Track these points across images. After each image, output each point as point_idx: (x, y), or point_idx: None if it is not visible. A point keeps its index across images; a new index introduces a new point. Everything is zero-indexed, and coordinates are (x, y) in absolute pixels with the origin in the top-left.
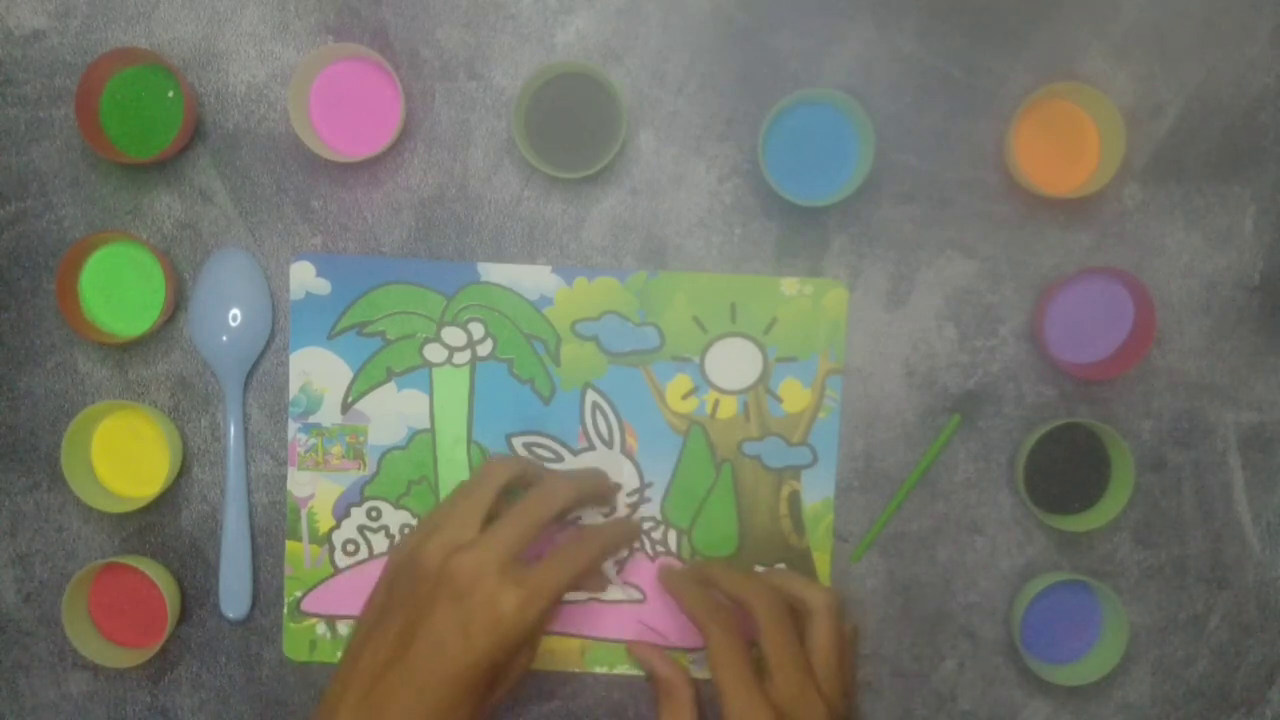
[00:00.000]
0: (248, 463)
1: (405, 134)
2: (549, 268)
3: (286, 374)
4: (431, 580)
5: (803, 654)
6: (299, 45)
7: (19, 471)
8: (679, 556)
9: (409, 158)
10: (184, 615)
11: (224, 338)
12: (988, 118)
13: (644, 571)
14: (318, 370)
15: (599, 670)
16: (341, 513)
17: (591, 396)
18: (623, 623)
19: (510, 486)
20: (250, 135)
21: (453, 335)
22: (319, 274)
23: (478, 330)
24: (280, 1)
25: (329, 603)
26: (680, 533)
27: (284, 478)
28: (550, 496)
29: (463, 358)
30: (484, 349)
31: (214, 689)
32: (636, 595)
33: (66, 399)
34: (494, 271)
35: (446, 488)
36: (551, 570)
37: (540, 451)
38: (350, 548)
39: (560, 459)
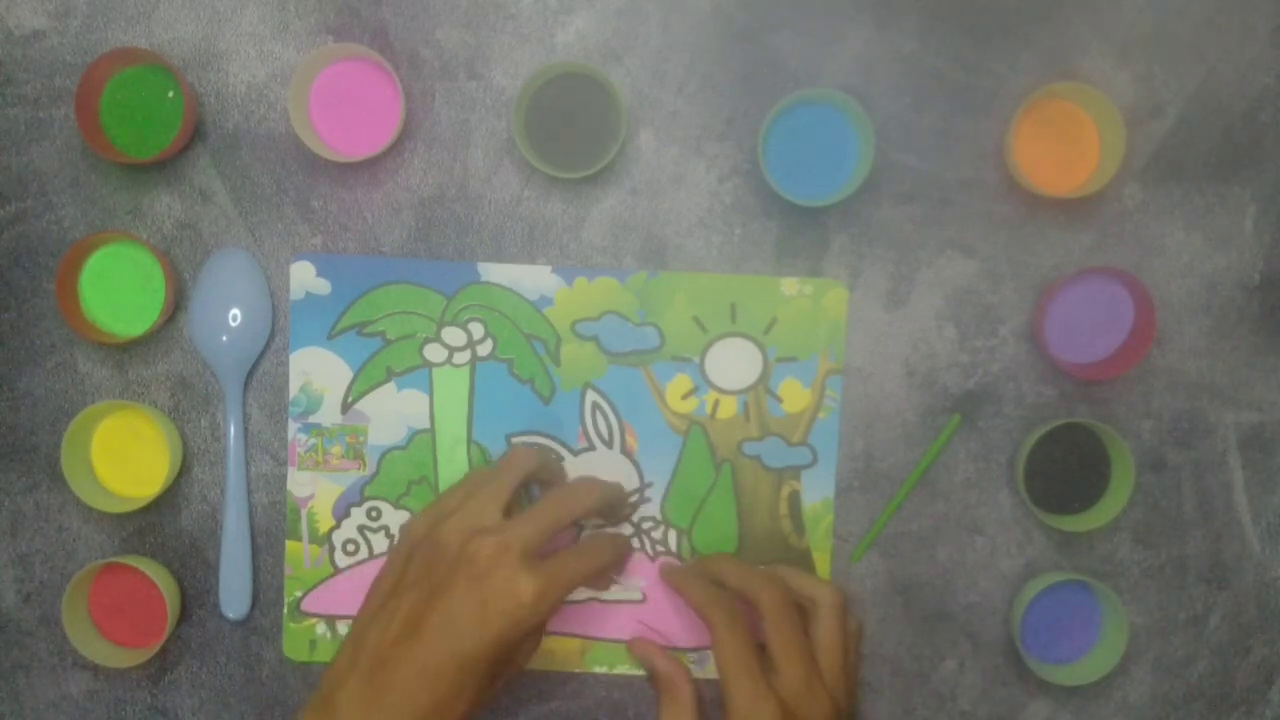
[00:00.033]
0: (248, 463)
1: (405, 134)
2: (549, 268)
3: (286, 374)
4: (450, 561)
5: (808, 648)
6: (299, 45)
7: (19, 471)
8: (679, 556)
9: (409, 158)
10: (184, 615)
11: (224, 338)
12: (988, 118)
13: (644, 572)
14: (318, 370)
15: (599, 670)
16: (341, 513)
17: (591, 396)
18: (623, 623)
19: (530, 479)
20: (250, 135)
21: (453, 335)
22: (319, 274)
23: (478, 330)
24: (280, 1)
25: (329, 603)
26: (680, 533)
27: (284, 478)
28: (575, 498)
29: (463, 358)
30: (484, 349)
31: (214, 689)
32: (636, 595)
33: (66, 399)
34: (494, 271)
35: (446, 488)
36: (570, 562)
37: None
38: (350, 548)
39: (560, 459)
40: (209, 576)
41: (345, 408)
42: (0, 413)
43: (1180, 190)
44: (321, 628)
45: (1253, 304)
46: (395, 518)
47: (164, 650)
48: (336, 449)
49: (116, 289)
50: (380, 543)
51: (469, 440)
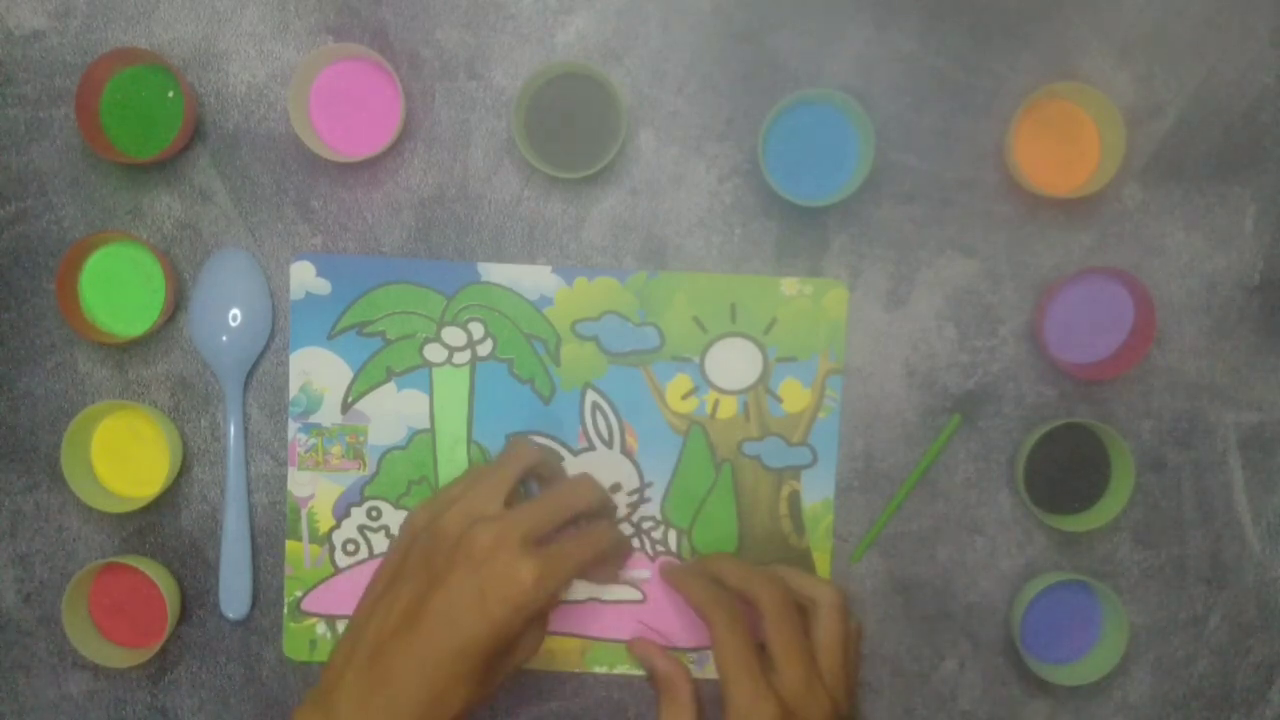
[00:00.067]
0: (248, 463)
1: (405, 134)
2: (549, 268)
3: (286, 374)
4: (449, 549)
5: (808, 647)
6: (299, 45)
7: (19, 471)
8: (679, 556)
9: (409, 158)
10: (184, 615)
11: (224, 338)
12: (988, 118)
13: (645, 567)
14: (318, 370)
15: (599, 670)
16: (341, 512)
17: (591, 396)
18: (623, 623)
19: (531, 473)
20: (250, 135)
21: (453, 335)
22: (319, 274)
23: (478, 330)
24: (280, 1)
25: (329, 602)
26: (680, 533)
27: (284, 478)
28: (576, 494)
29: (463, 358)
30: (484, 349)
31: (214, 689)
32: (636, 595)
33: (66, 399)
34: (494, 271)
35: None
36: (570, 548)
37: None
38: (350, 547)
39: (560, 459)
40: (209, 576)
41: (345, 408)
42: (0, 413)
43: (1180, 190)
44: (321, 627)
45: (1253, 304)
46: (395, 518)
47: (164, 650)
48: (336, 449)
49: (116, 289)
50: (380, 543)
51: (469, 440)
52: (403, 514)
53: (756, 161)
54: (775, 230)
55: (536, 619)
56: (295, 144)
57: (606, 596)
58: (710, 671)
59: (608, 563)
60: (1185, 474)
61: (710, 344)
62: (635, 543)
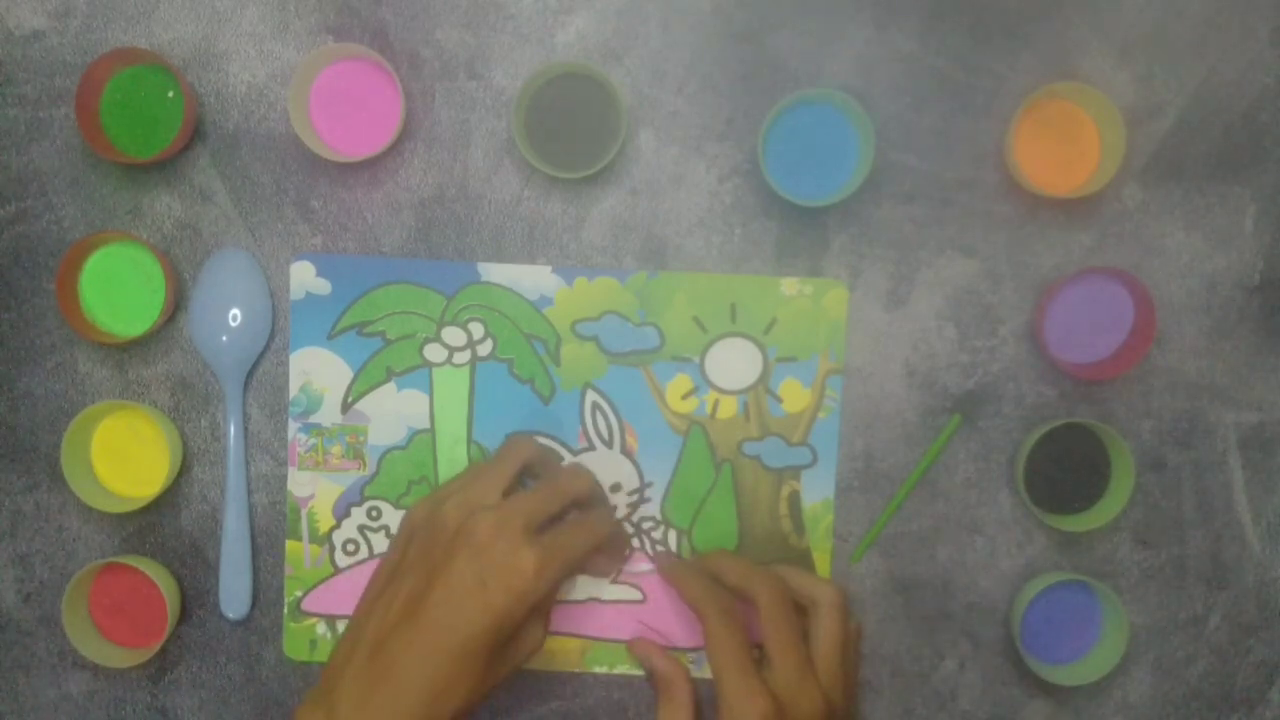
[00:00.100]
0: (248, 463)
1: (405, 134)
2: (549, 268)
3: (286, 374)
4: (449, 539)
5: (803, 644)
6: (299, 45)
7: (19, 471)
8: (679, 556)
9: (409, 158)
10: (184, 615)
11: (224, 338)
12: (988, 118)
13: (643, 573)
14: (318, 370)
15: (599, 670)
16: (341, 512)
17: (591, 396)
18: (623, 623)
19: (529, 468)
20: (250, 135)
21: (453, 335)
22: (319, 274)
23: (478, 330)
24: (280, 1)
25: (329, 602)
26: (680, 533)
27: (284, 478)
28: (572, 482)
29: (463, 358)
30: (484, 349)
31: (214, 689)
32: (636, 595)
33: (66, 399)
34: (494, 271)
35: None
36: (569, 535)
37: None
38: (350, 547)
39: (560, 459)
40: (209, 576)
41: (345, 408)
42: (0, 413)
43: (1180, 190)
44: (321, 627)
45: (1253, 304)
46: (395, 518)
47: (164, 650)
48: (336, 449)
49: (116, 289)
50: (380, 543)
51: (469, 440)
52: (403, 514)
53: (756, 161)
54: (775, 230)
55: (538, 613)
56: (295, 144)
57: (606, 596)
58: (709, 672)
59: (606, 552)
60: (1185, 474)
61: (710, 344)
62: (635, 543)
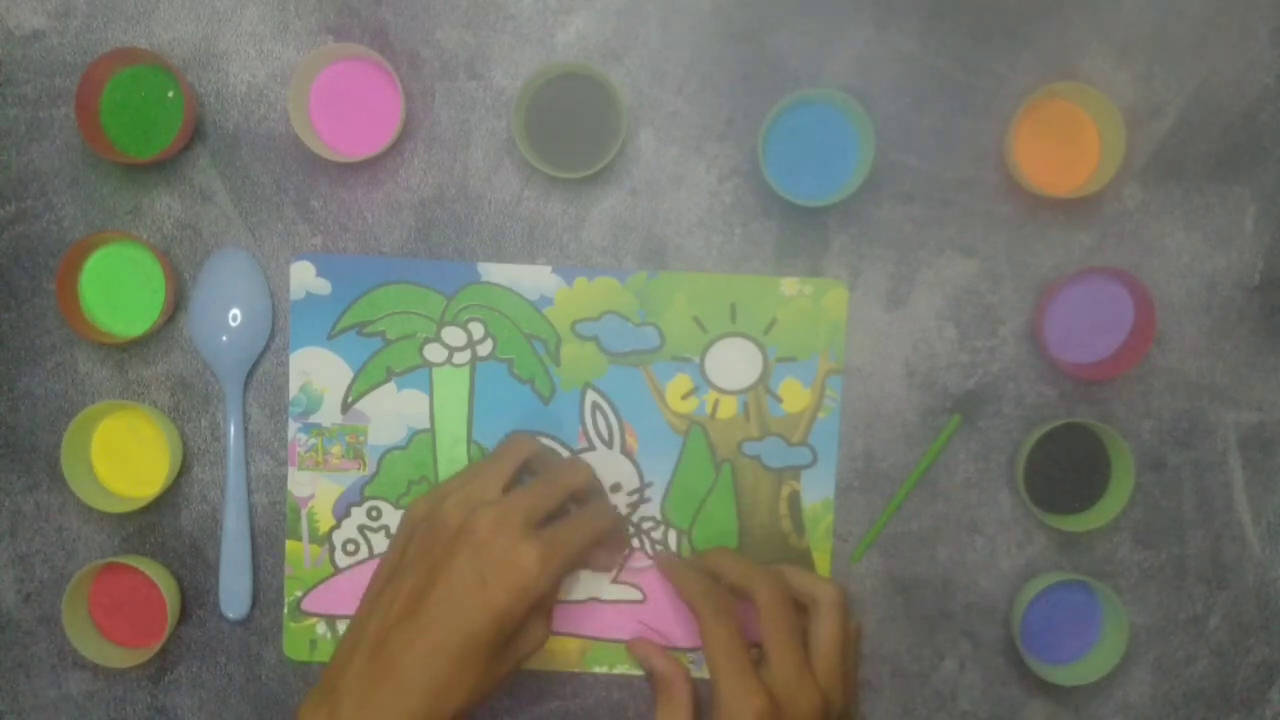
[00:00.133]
0: (248, 463)
1: (405, 134)
2: (549, 268)
3: (286, 374)
4: (449, 535)
5: (802, 643)
6: (299, 45)
7: (19, 471)
8: (678, 556)
9: (409, 158)
10: (184, 615)
11: (224, 338)
12: (988, 118)
13: (643, 571)
14: (318, 370)
15: (599, 670)
16: (341, 512)
17: (591, 396)
18: (623, 623)
19: (529, 465)
20: (250, 135)
21: (453, 335)
22: (319, 274)
23: (478, 330)
24: (280, 1)
25: (329, 602)
26: (680, 533)
27: (284, 478)
28: (570, 475)
29: (463, 358)
30: (484, 349)
31: (214, 689)
32: (636, 595)
33: (66, 399)
34: (494, 271)
35: None
36: (570, 530)
37: None
38: (350, 547)
39: (560, 457)
40: (209, 576)
41: (345, 408)
42: (0, 413)
43: (1180, 190)
44: (321, 627)
45: (1253, 304)
46: (395, 517)
47: (164, 650)
48: (336, 449)
49: (116, 289)
50: (380, 543)
51: (469, 440)
52: (402, 514)
53: (756, 161)
54: (775, 230)
55: (540, 611)
56: (295, 144)
57: (606, 596)
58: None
59: (606, 547)
60: (1185, 474)
61: (710, 344)
62: (635, 543)
